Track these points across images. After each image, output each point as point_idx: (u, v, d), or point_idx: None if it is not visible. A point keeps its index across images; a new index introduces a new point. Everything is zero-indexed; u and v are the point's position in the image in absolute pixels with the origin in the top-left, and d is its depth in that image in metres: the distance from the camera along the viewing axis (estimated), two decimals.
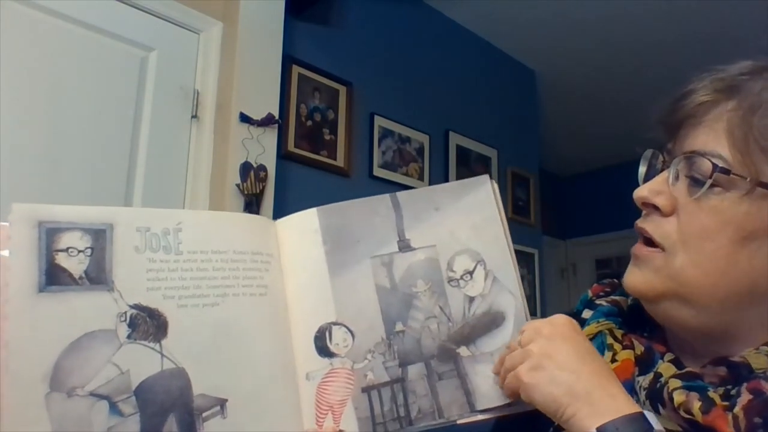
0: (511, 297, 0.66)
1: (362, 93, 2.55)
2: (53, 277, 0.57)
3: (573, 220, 4.67)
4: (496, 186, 0.70)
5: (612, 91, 3.63)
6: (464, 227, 0.68)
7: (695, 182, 0.60)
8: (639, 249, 0.64)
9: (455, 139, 2.91)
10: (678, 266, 0.60)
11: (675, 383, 0.58)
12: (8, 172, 1.59)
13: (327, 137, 2.40)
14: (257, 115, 2.04)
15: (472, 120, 3.03)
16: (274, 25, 2.18)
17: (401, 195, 0.69)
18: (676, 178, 0.62)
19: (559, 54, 3.29)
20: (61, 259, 0.57)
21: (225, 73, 2.08)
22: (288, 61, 2.25)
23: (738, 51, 0.65)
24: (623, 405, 0.54)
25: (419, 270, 0.67)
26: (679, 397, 0.57)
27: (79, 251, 0.58)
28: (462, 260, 0.67)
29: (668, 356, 0.63)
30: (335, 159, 2.41)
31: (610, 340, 0.67)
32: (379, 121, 2.61)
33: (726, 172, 0.58)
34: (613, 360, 0.65)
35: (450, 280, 0.67)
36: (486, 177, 0.70)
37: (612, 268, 4.54)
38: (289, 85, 2.28)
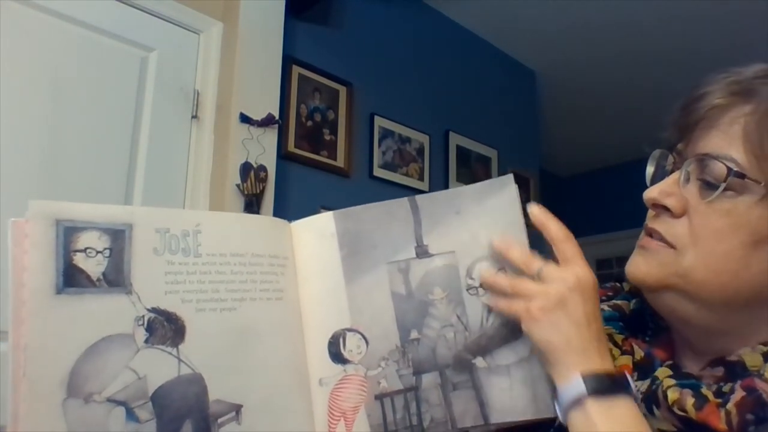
0: None
1: (362, 93, 2.55)
2: (71, 278, 0.55)
3: (573, 220, 4.56)
4: (516, 189, 0.67)
5: (612, 91, 3.63)
6: (487, 231, 0.65)
7: (707, 185, 0.60)
8: (647, 241, 0.64)
9: (455, 139, 2.91)
10: (687, 265, 0.60)
11: (669, 382, 0.59)
12: (8, 173, 1.58)
13: (327, 137, 2.40)
14: (257, 115, 2.04)
15: (472, 120, 3.02)
16: (274, 25, 2.18)
17: (420, 199, 0.67)
18: (687, 180, 0.62)
19: (559, 54, 3.29)
20: (79, 260, 0.55)
21: (225, 73, 2.07)
22: (288, 61, 2.25)
23: (740, 58, 0.65)
24: (609, 366, 0.58)
25: (437, 277, 0.65)
26: (672, 394, 0.57)
27: (98, 252, 0.56)
28: (482, 267, 0.65)
29: (667, 363, 0.64)
30: (335, 159, 2.40)
31: (609, 345, 0.66)
32: (379, 121, 2.60)
33: (740, 176, 0.58)
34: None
35: (469, 287, 0.64)
36: (510, 177, 0.67)
37: (612, 268, 4.55)
38: (289, 85, 2.28)
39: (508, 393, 0.62)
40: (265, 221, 0.68)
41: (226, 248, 0.62)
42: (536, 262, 0.61)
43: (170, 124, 1.98)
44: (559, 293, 0.58)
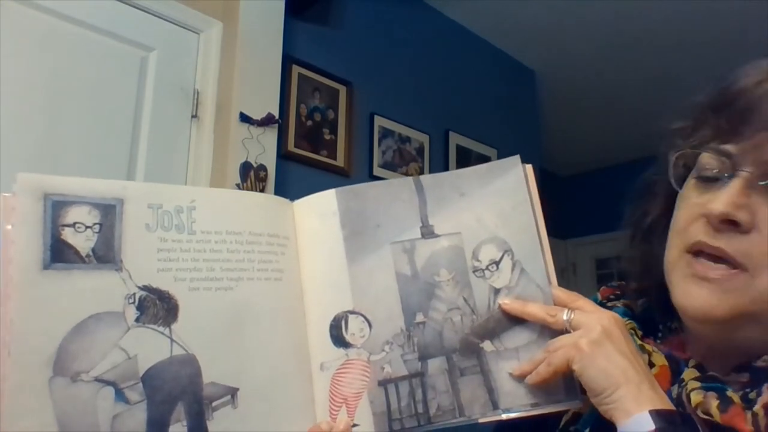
0: (538, 291, 0.62)
1: (362, 93, 2.54)
2: (59, 253, 0.53)
3: (573, 220, 4.61)
4: (529, 169, 0.65)
5: (612, 91, 3.63)
6: (492, 214, 0.64)
7: None
8: (710, 270, 0.57)
9: (455, 139, 2.90)
10: (764, 287, 0.55)
11: (693, 384, 0.57)
12: (8, 173, 1.57)
13: (327, 137, 2.39)
14: (257, 115, 2.03)
15: (472, 120, 3.01)
16: (274, 25, 2.17)
17: (425, 179, 0.65)
18: (752, 187, 0.55)
19: (559, 54, 3.28)
20: (68, 235, 0.54)
21: (225, 73, 2.06)
22: (288, 61, 2.24)
23: (742, 55, 0.62)
24: (668, 403, 0.54)
25: (443, 258, 0.63)
26: (696, 397, 0.55)
27: (87, 227, 0.55)
28: (488, 249, 0.63)
29: (692, 362, 0.61)
30: (335, 159, 2.39)
31: (638, 340, 0.64)
32: (379, 121, 2.59)
33: None
34: (651, 364, 0.62)
35: (475, 269, 0.63)
36: (517, 159, 0.65)
37: (612, 268, 4.53)
38: (289, 85, 2.27)
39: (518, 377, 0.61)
40: (264, 199, 0.66)
41: (222, 226, 0.60)
42: (560, 310, 0.59)
43: (170, 123, 1.97)
44: (602, 327, 0.56)
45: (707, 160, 0.59)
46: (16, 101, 1.64)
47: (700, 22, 2.92)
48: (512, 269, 0.63)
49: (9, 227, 0.52)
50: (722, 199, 0.56)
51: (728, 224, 0.56)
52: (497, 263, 0.63)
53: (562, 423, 0.66)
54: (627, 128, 3.93)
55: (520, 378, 0.60)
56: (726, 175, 0.57)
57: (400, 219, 0.64)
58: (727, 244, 0.56)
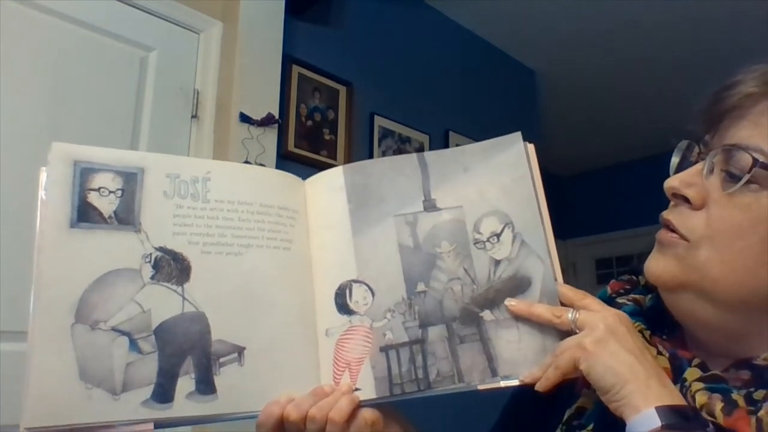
0: (539, 261, 0.64)
1: (362, 93, 2.55)
2: (84, 214, 0.59)
3: (573, 220, 4.59)
4: (531, 147, 0.68)
5: (612, 90, 3.63)
6: (493, 188, 0.66)
7: (731, 177, 0.58)
8: (663, 234, 0.62)
9: (455, 139, 2.91)
10: (702, 259, 0.58)
11: (697, 385, 0.57)
12: (8, 172, 1.58)
13: (327, 137, 2.40)
14: (257, 115, 2.04)
15: (472, 120, 3.02)
16: (274, 25, 2.18)
17: (428, 155, 0.69)
18: (711, 171, 0.60)
19: (559, 54, 3.29)
20: (93, 198, 0.60)
21: (225, 73, 2.07)
22: (288, 61, 2.25)
23: (742, 55, 0.64)
24: (678, 398, 0.54)
25: (444, 231, 0.66)
26: (701, 398, 0.56)
27: (110, 192, 0.61)
28: (489, 222, 0.65)
29: (695, 361, 0.61)
30: (335, 159, 2.40)
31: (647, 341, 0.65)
32: (379, 121, 2.61)
33: (766, 167, 0.56)
34: None
35: (476, 242, 0.65)
36: (518, 135, 0.68)
37: (612, 268, 4.54)
38: (289, 85, 2.28)
39: (516, 345, 0.62)
40: (276, 175, 0.71)
41: (235, 196, 0.65)
42: (566, 311, 0.60)
43: (170, 123, 1.98)
44: (606, 325, 0.57)
45: (695, 149, 0.65)
46: (16, 101, 1.65)
47: (700, 22, 2.93)
48: (513, 241, 0.65)
49: (43, 190, 0.59)
50: (676, 177, 0.62)
51: (681, 199, 0.61)
52: (498, 235, 0.65)
53: (566, 417, 0.66)
54: (627, 128, 3.95)
55: (519, 348, 0.61)
56: (698, 159, 0.63)
57: (403, 193, 0.67)
58: (676, 217, 0.61)
